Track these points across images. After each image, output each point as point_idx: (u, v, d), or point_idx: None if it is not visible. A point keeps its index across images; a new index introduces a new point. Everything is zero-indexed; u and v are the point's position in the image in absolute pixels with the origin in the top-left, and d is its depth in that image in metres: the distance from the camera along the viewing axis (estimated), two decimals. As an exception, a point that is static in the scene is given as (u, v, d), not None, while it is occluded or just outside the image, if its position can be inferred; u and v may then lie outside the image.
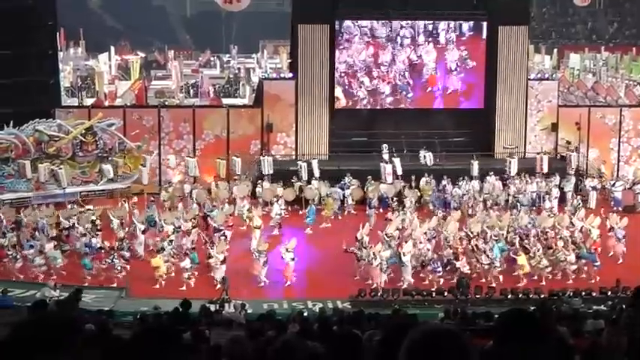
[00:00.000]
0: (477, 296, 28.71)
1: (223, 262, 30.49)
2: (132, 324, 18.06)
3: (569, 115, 43.85)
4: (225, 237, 33.05)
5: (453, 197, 38.63)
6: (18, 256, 31.23)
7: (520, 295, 28.64)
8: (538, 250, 31.21)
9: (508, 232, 33.09)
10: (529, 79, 44.23)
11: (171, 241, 32.24)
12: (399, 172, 39.75)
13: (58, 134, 39.67)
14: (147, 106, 46.40)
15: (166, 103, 48.72)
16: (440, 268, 30.53)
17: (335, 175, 39.73)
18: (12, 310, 19.83)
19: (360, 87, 43.53)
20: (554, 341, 4.73)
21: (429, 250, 31.37)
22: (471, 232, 32.45)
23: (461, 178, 39.58)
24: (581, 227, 33.84)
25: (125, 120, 41.95)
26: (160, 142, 42.44)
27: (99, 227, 33.86)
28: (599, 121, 44.08)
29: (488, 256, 30.73)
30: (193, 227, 33.92)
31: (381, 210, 37.79)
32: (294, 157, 41.89)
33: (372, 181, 39.08)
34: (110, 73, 62.85)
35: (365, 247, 30.84)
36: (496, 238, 31.83)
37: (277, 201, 37.24)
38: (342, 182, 39.22)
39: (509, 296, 28.73)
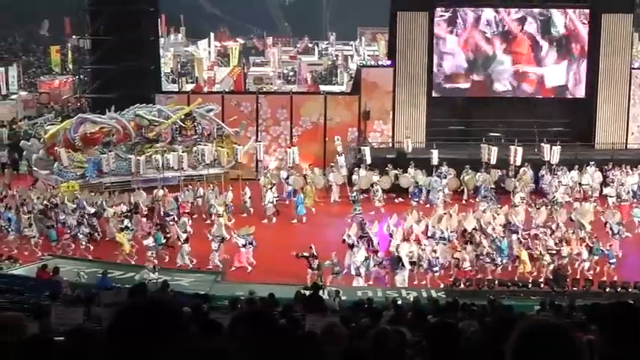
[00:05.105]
0: (574, 288, 28.21)
1: (186, 241, 30.81)
2: (227, 308, 18.21)
3: (673, 105, 42.72)
4: (175, 221, 33.13)
5: (551, 187, 37.97)
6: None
7: (619, 289, 28.01)
8: (537, 247, 30.28)
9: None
10: (633, 68, 43.17)
11: (130, 219, 32.80)
12: (368, 160, 39.19)
13: (158, 119, 40.36)
14: (245, 92, 46.89)
15: (264, 89, 49.07)
16: (437, 267, 29.34)
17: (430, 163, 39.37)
18: (112, 291, 20.18)
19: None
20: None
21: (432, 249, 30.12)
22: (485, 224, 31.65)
23: (560, 168, 38.87)
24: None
25: (223, 106, 42.45)
26: (257, 128, 42.78)
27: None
28: None
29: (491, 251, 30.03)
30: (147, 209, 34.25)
31: (477, 199, 37.35)
32: (390, 144, 41.71)
33: (469, 170, 38.68)
34: (209, 59, 63.62)
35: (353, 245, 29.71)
36: (503, 235, 30.84)
37: (271, 189, 36.76)
38: (438, 171, 38.86)
39: (607, 289, 28.14)
